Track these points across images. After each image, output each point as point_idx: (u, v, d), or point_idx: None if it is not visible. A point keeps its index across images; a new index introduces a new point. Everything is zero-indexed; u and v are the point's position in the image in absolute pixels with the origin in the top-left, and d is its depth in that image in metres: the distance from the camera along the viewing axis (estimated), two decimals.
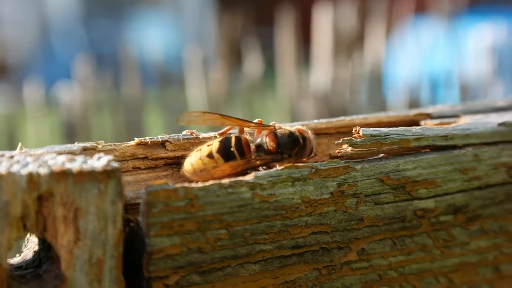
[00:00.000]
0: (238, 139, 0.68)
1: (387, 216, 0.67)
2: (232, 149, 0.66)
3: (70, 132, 2.58)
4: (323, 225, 0.64)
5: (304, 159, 0.70)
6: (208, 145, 0.67)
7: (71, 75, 2.98)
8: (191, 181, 0.66)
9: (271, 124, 0.72)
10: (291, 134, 0.69)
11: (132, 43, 3.40)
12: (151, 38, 4.97)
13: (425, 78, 2.98)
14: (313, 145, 0.71)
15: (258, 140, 0.70)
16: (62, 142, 2.61)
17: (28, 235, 0.61)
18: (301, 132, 0.70)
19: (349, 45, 2.89)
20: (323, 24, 2.89)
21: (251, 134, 0.71)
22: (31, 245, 0.62)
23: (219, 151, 0.66)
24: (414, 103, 2.83)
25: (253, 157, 0.68)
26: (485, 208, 0.71)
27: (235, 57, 3.03)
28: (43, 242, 0.60)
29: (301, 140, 0.69)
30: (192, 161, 0.66)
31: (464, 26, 3.30)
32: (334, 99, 2.79)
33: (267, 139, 0.70)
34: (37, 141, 2.74)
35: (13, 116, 2.68)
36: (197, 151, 0.67)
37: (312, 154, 0.71)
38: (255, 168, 0.67)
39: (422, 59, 3.01)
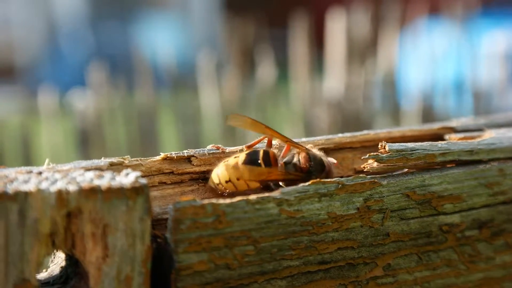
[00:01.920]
0: (266, 153, 0.68)
1: (413, 231, 0.67)
2: (259, 161, 0.67)
3: (84, 139, 2.59)
4: (349, 241, 0.64)
5: None
6: (236, 157, 0.67)
7: (79, 76, 2.98)
8: (217, 195, 0.66)
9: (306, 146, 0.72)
10: (321, 160, 0.69)
11: (143, 47, 3.40)
12: (159, 41, 4.97)
13: (438, 84, 2.98)
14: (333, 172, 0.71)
15: (289, 157, 0.70)
16: (76, 149, 2.62)
17: (55, 251, 0.61)
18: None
19: (363, 51, 2.89)
20: (337, 30, 2.89)
21: (279, 150, 0.71)
22: (58, 260, 0.62)
23: (245, 162, 0.66)
24: (427, 109, 2.83)
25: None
26: (510, 223, 0.71)
27: (247, 63, 3.02)
28: (70, 258, 0.60)
29: (327, 168, 0.70)
30: (219, 172, 0.66)
31: (477, 30, 3.29)
32: (348, 105, 2.79)
33: (301, 158, 0.70)
34: (51, 147, 2.74)
35: (27, 122, 2.69)
36: (224, 162, 0.67)
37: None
38: (280, 181, 0.67)
39: (435, 65, 3.00)
